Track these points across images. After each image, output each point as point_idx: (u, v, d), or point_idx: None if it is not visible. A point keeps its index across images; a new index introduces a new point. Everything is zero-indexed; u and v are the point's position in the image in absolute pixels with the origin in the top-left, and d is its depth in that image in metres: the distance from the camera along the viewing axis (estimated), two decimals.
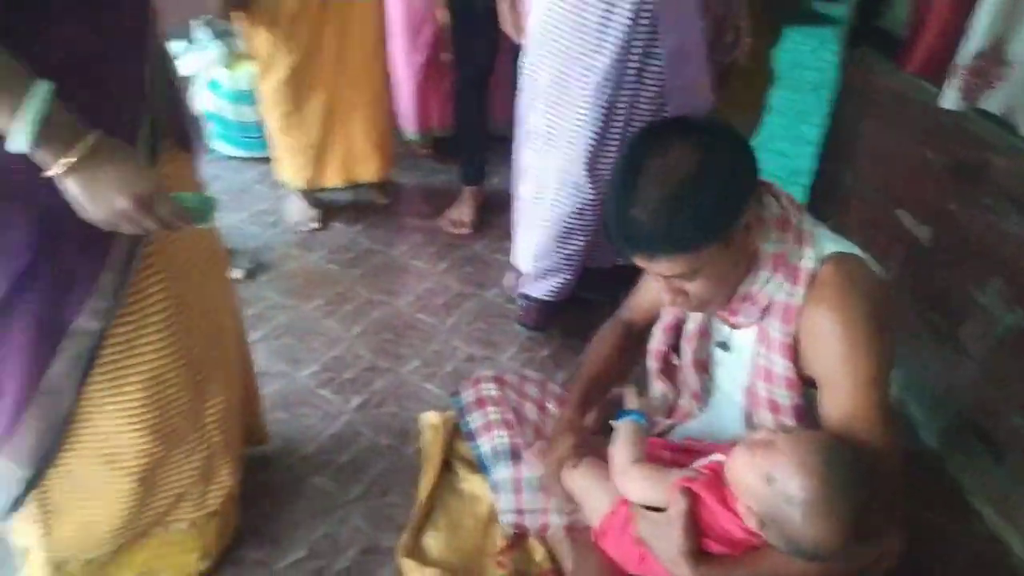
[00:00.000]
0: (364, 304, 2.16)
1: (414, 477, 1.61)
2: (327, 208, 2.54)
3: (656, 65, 1.65)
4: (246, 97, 2.59)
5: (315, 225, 2.46)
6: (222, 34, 2.76)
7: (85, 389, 1.08)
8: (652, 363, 1.44)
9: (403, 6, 2.54)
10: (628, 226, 1.05)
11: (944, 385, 1.66)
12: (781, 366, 1.14)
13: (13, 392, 1.06)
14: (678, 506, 1.08)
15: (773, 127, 2.47)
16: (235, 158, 2.81)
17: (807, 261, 1.10)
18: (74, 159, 0.84)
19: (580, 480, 1.32)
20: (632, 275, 1.38)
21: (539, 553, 1.44)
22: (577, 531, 1.37)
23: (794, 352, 1.13)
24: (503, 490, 1.44)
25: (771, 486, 1.02)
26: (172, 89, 1.16)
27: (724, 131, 1.08)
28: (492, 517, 1.51)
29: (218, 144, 2.80)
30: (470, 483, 1.58)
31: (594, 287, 2.05)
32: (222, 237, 1.36)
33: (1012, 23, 1.42)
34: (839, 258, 1.11)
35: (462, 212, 2.50)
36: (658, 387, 1.46)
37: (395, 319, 2.11)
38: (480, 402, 1.56)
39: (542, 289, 1.98)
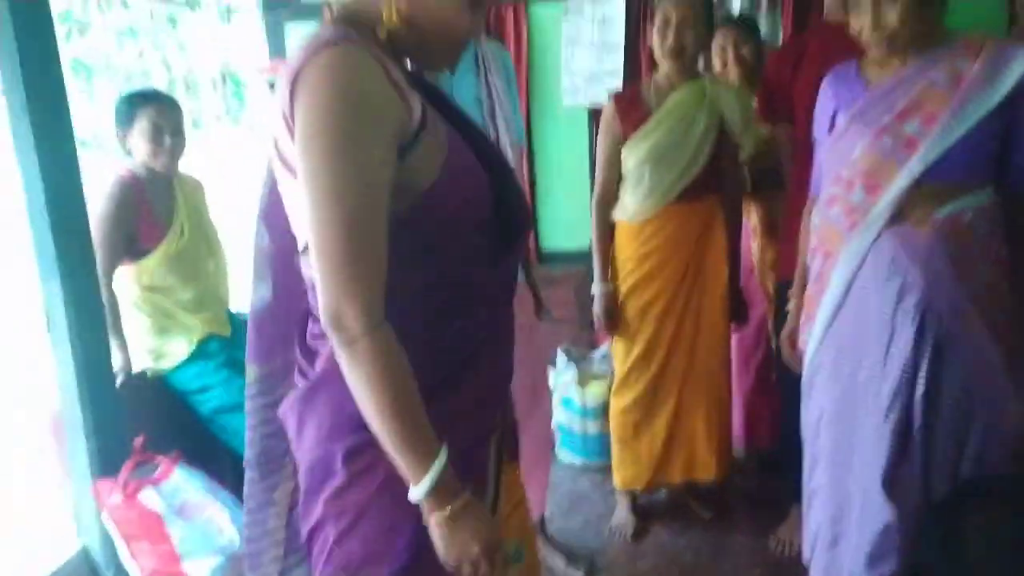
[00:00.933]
0: None
1: None
2: (647, 513, 2.70)
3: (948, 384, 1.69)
4: (593, 412, 3.01)
5: (631, 530, 2.62)
6: (578, 359, 3.29)
7: None
8: None
9: (739, 339, 2.84)
10: None
11: None
12: None
13: None
14: None
15: None
16: (574, 466, 3.16)
17: None
18: (447, 513, 1.00)
19: None
20: None
21: None
22: None
23: None
24: None
25: None
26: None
27: None
28: None
29: (561, 452, 3.19)
30: None
31: None
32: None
33: None
34: None
35: (793, 532, 2.48)
36: None
37: None
38: None
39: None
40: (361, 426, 1.00)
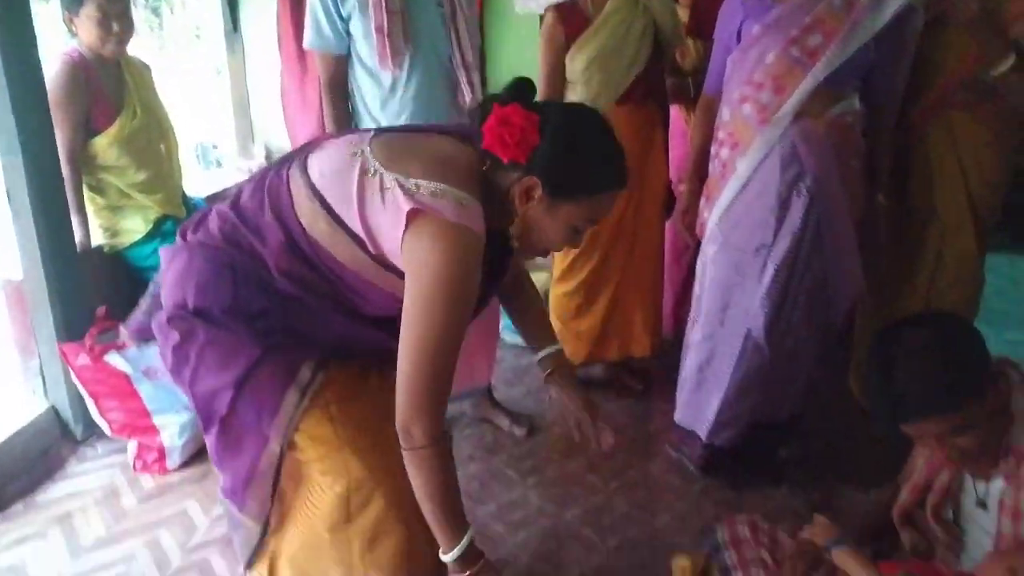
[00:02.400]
0: (622, 466, 2.47)
1: None
2: (583, 384, 2.94)
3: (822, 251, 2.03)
4: None
5: None
6: None
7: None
8: (896, 516, 1.58)
9: (672, 233, 3.07)
10: (897, 402, 1.29)
11: None
12: None
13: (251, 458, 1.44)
14: None
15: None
16: (518, 345, 3.38)
17: None
18: (467, 574, 1.30)
19: None
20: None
21: None
22: None
23: None
24: None
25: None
26: None
27: (944, 315, 1.35)
28: None
29: (505, 334, 3.40)
30: None
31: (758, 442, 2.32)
32: None
33: None
34: None
35: None
36: (906, 537, 1.58)
37: (648, 480, 2.39)
38: (735, 541, 1.77)
39: (722, 439, 2.26)
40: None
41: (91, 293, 2.51)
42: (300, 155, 1.40)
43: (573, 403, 1.62)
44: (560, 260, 2.84)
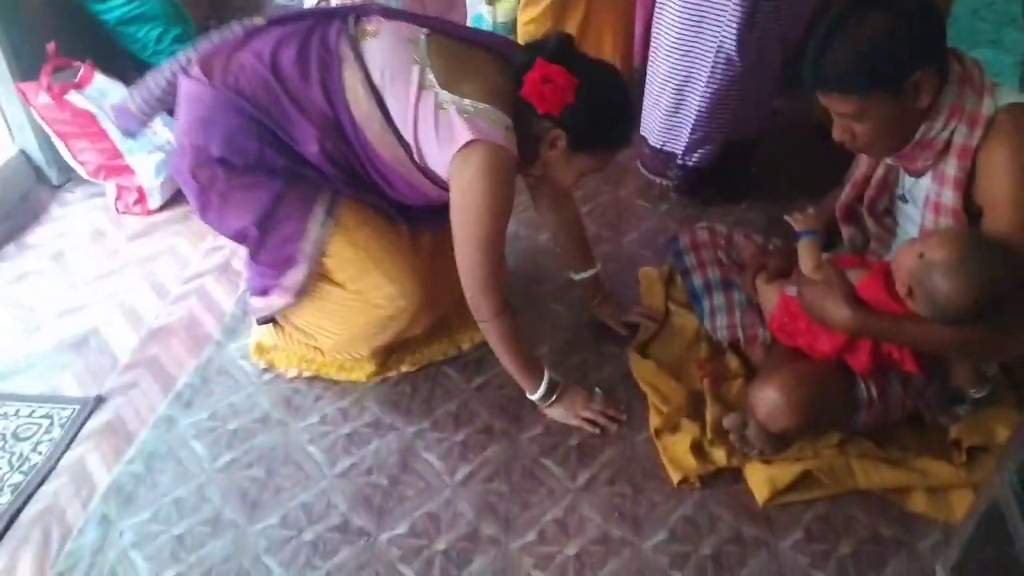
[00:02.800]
0: (593, 192, 2.57)
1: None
2: None
3: None
4: (503, 28, 3.09)
5: None
6: None
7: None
8: (838, 212, 1.70)
9: None
10: (815, 66, 1.31)
11: None
12: (950, 198, 1.36)
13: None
14: (831, 271, 1.41)
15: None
16: None
17: (986, 108, 1.30)
18: (550, 403, 1.67)
19: (765, 289, 1.68)
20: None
21: (734, 362, 1.78)
22: (776, 339, 1.69)
23: (964, 185, 1.34)
24: (719, 312, 1.78)
25: (921, 259, 1.29)
26: None
27: (915, 2, 1.29)
28: (696, 340, 1.86)
29: None
30: (680, 316, 1.93)
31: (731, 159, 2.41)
32: None
33: None
34: (1014, 106, 1.30)
35: None
36: (845, 231, 1.71)
37: (618, 203, 2.51)
38: (694, 245, 1.92)
39: (695, 157, 2.34)
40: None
41: (42, 31, 2.38)
42: (349, 21, 1.48)
43: (617, 326, 1.93)
44: None
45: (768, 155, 2.63)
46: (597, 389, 1.74)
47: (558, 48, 1.44)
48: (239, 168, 1.49)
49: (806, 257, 1.51)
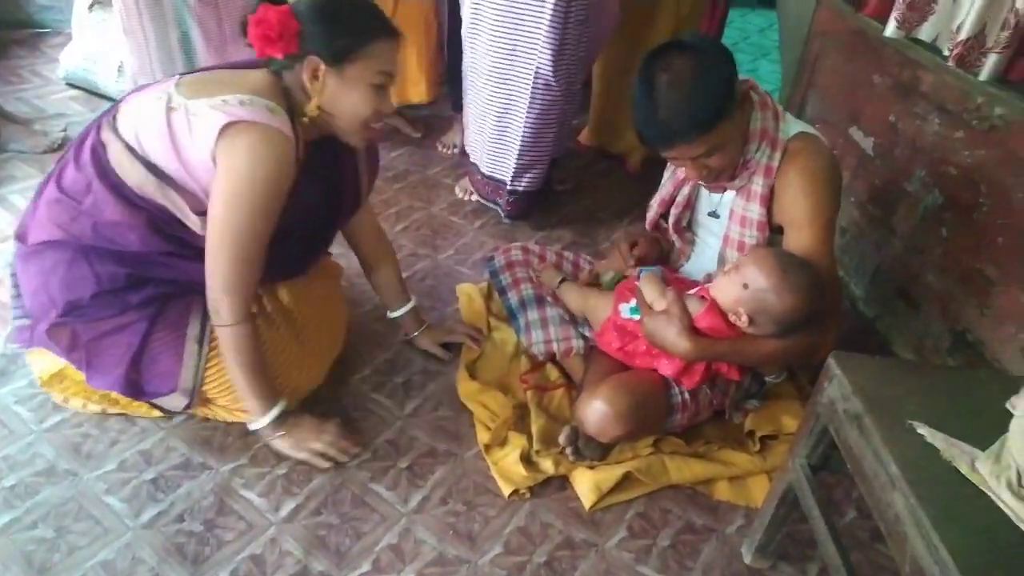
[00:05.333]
0: (407, 210, 2.56)
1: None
2: None
3: None
4: None
5: None
6: None
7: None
8: (648, 227, 1.84)
9: None
10: (659, 127, 1.39)
11: (877, 262, 2.06)
12: (757, 212, 1.52)
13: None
14: (673, 302, 1.49)
15: None
16: None
17: (782, 133, 1.49)
18: (279, 435, 1.55)
19: (591, 300, 1.75)
20: None
21: (554, 373, 1.84)
22: (593, 348, 1.78)
23: (768, 201, 1.51)
24: (534, 328, 1.83)
25: (748, 289, 1.42)
26: None
27: (703, 40, 1.44)
28: (517, 353, 1.90)
29: None
30: (501, 331, 1.97)
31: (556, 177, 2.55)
32: None
33: None
34: (805, 134, 1.50)
35: (454, 135, 2.90)
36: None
37: (432, 220, 2.52)
38: (509, 265, 1.97)
39: (525, 182, 2.41)
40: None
41: None
42: (108, 117, 1.43)
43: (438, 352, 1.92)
44: None
45: (567, 170, 2.80)
46: (335, 421, 1.64)
47: None
48: (90, 308, 1.44)
49: (649, 290, 1.59)
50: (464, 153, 2.62)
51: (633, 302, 1.60)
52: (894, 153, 1.96)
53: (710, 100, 1.36)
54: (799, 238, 1.48)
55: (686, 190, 1.68)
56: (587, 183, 2.85)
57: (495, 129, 2.34)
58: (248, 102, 1.31)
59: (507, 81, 2.22)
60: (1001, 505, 0.96)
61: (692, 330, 1.46)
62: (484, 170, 2.46)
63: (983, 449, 1.04)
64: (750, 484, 1.62)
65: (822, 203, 1.46)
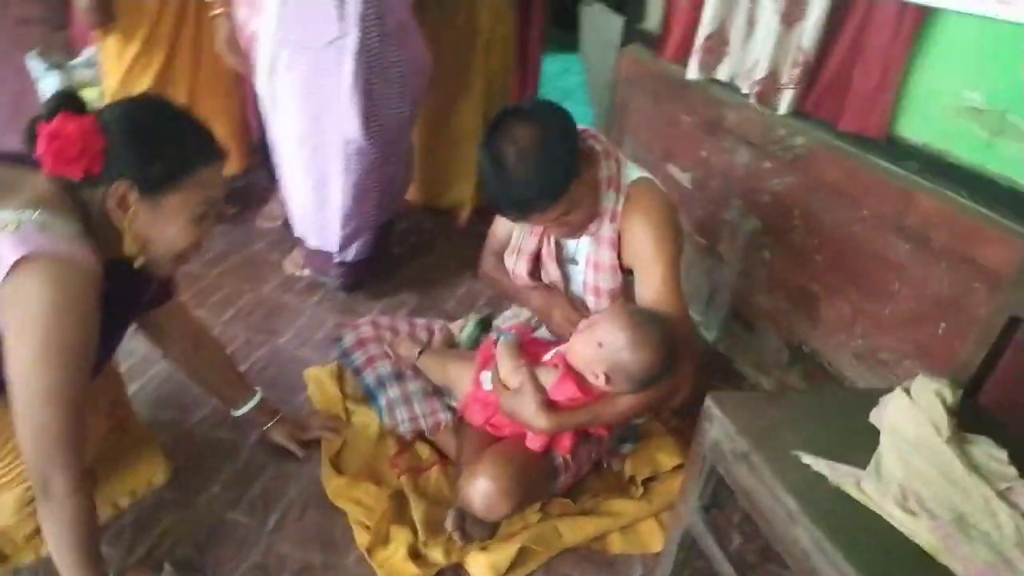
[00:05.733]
0: (233, 294, 2.36)
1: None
2: None
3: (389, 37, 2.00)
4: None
5: None
6: (56, 66, 2.84)
7: None
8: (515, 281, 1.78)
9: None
10: (513, 200, 1.38)
11: (710, 289, 2.18)
12: (607, 256, 1.54)
13: None
14: (526, 379, 1.47)
15: None
16: None
17: (624, 179, 1.53)
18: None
19: (451, 370, 1.69)
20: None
21: (425, 451, 1.75)
22: (462, 420, 1.70)
23: (617, 244, 1.53)
24: (397, 406, 1.73)
25: (603, 348, 1.42)
26: None
27: (541, 105, 1.43)
28: (382, 435, 1.79)
29: None
30: (360, 414, 1.85)
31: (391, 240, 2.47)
32: None
33: (729, 12, 1.96)
34: (643, 179, 1.54)
35: (276, 208, 2.74)
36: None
37: (264, 302, 2.34)
38: (360, 343, 1.86)
39: (352, 252, 2.30)
40: None
41: None
42: None
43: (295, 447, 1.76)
44: (114, 67, 2.37)
45: (399, 232, 2.73)
46: (167, 566, 1.43)
47: (54, 102, 1.11)
48: None
49: (504, 364, 1.55)
50: (287, 225, 2.47)
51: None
52: (711, 185, 2.10)
53: (559, 166, 1.37)
54: (648, 276, 1.51)
55: (551, 242, 1.67)
56: (421, 242, 2.80)
57: (314, 200, 2.21)
58: (44, 224, 1.05)
59: (319, 149, 2.11)
60: (893, 522, 1.01)
61: (548, 404, 1.45)
62: (310, 243, 2.33)
63: (863, 468, 1.09)
64: (641, 531, 1.62)
65: (665, 241, 1.51)
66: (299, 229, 2.34)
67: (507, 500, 1.45)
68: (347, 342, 1.87)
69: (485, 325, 1.93)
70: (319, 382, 1.96)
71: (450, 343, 1.92)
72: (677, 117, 2.20)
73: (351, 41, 1.93)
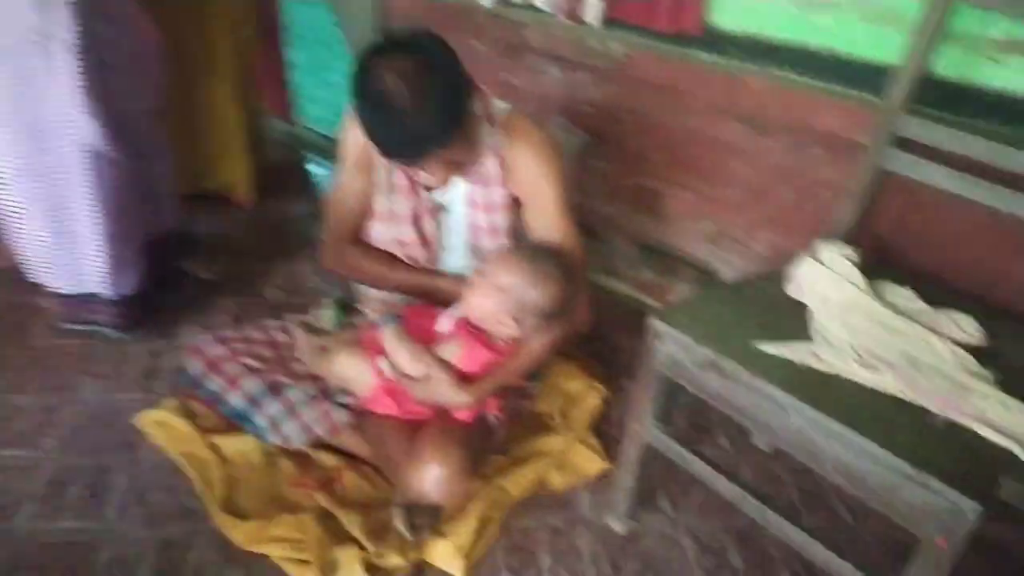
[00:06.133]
0: None
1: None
2: None
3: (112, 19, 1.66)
4: None
5: None
6: None
7: None
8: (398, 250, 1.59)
9: None
10: (409, 139, 1.22)
11: None
12: (499, 193, 1.45)
13: None
14: (431, 364, 1.39)
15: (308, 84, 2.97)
16: None
17: (497, 111, 1.43)
18: None
19: (346, 364, 1.52)
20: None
21: (329, 459, 1.58)
22: (362, 414, 1.55)
23: (504, 179, 1.44)
24: (282, 421, 1.53)
25: (505, 292, 1.36)
26: None
27: (411, 33, 1.24)
28: (268, 458, 1.57)
29: None
30: (232, 444, 1.60)
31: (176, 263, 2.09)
32: None
33: None
34: (513, 110, 1.47)
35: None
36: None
37: (49, 364, 1.89)
38: (211, 365, 1.59)
39: (123, 283, 1.89)
40: None
41: None
42: None
43: None
44: None
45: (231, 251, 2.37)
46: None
47: None
48: None
49: (398, 351, 1.42)
50: (20, 272, 1.94)
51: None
52: (527, 109, 2.06)
53: (456, 93, 1.24)
54: (539, 204, 1.47)
55: (426, 197, 1.52)
56: (211, 242, 2.41)
57: (52, 235, 1.78)
58: None
59: (46, 172, 1.70)
60: (860, 380, 1.11)
61: (462, 378, 1.39)
62: (62, 289, 1.89)
63: (808, 340, 1.18)
64: (574, 461, 1.63)
65: (552, 167, 1.46)
66: (40, 276, 1.87)
67: (463, 477, 1.37)
68: (195, 370, 1.60)
69: (344, 305, 1.76)
70: (162, 425, 1.65)
71: (311, 332, 1.72)
72: (468, 45, 2.11)
73: (62, 31, 1.55)
